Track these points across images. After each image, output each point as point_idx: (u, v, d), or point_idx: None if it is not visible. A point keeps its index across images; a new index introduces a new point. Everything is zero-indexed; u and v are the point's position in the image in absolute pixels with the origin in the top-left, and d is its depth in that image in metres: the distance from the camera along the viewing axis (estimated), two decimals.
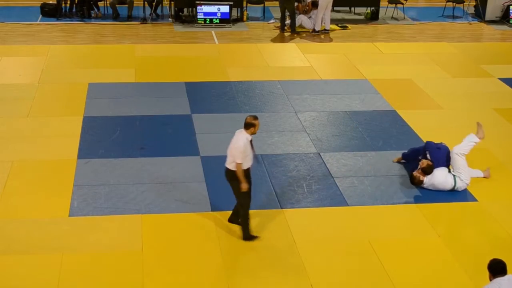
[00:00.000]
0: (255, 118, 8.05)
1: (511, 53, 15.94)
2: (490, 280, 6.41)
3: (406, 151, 10.38)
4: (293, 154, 10.44)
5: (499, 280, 6.32)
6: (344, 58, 15.00)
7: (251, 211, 8.71)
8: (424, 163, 9.58)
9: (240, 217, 8.37)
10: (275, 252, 8.16)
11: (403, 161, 10.33)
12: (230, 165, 8.04)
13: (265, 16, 18.41)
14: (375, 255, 8.10)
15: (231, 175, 8.08)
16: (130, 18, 17.56)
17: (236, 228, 8.48)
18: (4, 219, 8.59)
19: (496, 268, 6.40)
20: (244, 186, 8.01)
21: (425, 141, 10.98)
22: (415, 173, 9.58)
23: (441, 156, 9.78)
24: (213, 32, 16.73)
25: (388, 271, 7.82)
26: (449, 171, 9.59)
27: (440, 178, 9.47)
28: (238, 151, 7.89)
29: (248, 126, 8.00)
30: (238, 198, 8.25)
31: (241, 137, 7.97)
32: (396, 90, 13.19)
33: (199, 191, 9.34)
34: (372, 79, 13.68)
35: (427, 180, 9.50)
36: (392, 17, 18.73)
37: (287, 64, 14.73)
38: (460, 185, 9.51)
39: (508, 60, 15.28)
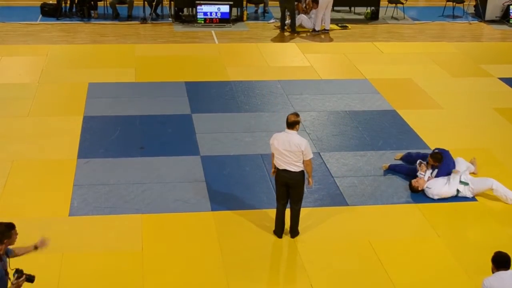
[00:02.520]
0: (298, 115, 8.13)
1: (511, 53, 15.94)
2: (493, 272, 6.35)
3: (412, 151, 10.34)
4: None
5: (501, 273, 6.25)
6: (344, 58, 15.00)
7: (250, 211, 8.76)
8: (430, 158, 9.62)
9: (295, 217, 8.34)
10: (275, 252, 8.16)
11: (399, 161, 10.29)
12: (296, 168, 8.02)
13: (261, 13, 18.46)
14: (375, 255, 8.10)
15: (299, 179, 8.08)
16: (130, 18, 17.56)
17: (240, 229, 8.50)
18: (4, 219, 8.55)
19: (501, 262, 6.32)
20: (311, 182, 8.30)
21: (425, 141, 11.00)
22: (413, 182, 9.51)
23: (449, 157, 9.79)
24: (213, 32, 16.73)
25: (388, 271, 7.82)
26: (456, 178, 9.44)
27: (437, 190, 9.35)
28: (309, 147, 8.03)
29: (294, 124, 8.03)
30: (300, 201, 8.27)
31: (298, 136, 8.03)
32: (396, 90, 13.18)
33: (199, 191, 9.34)
34: (372, 79, 13.68)
35: (426, 190, 9.43)
36: (392, 17, 18.72)
37: (287, 64, 14.73)
38: (465, 193, 9.45)
39: (508, 60, 15.27)
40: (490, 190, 9.40)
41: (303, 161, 8.03)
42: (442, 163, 9.65)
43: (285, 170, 8.06)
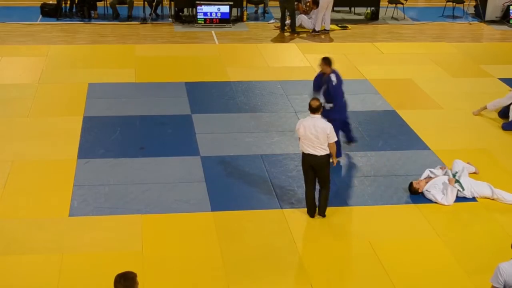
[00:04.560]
0: (319, 99, 8.59)
1: (511, 53, 15.94)
2: None
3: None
4: (293, 154, 10.43)
5: None
6: (344, 58, 14.99)
7: (250, 211, 8.76)
8: None
9: (326, 202, 8.76)
10: (275, 252, 8.16)
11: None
12: (321, 151, 8.44)
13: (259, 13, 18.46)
14: (375, 255, 8.10)
15: (324, 162, 8.52)
16: (130, 18, 17.56)
17: (240, 229, 8.51)
18: (4, 219, 8.59)
19: None
20: (336, 160, 8.86)
21: (425, 141, 11.00)
22: (414, 184, 9.44)
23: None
24: (213, 32, 16.73)
25: (388, 271, 7.82)
26: (453, 191, 9.29)
27: (434, 197, 9.27)
28: (333, 131, 8.48)
29: (318, 108, 8.48)
30: (327, 183, 8.68)
31: (322, 120, 8.48)
32: (396, 90, 13.18)
33: (199, 191, 9.34)
34: (372, 79, 13.68)
35: (426, 193, 9.39)
36: (392, 17, 18.73)
37: (287, 64, 14.73)
38: (463, 195, 9.42)
39: (508, 60, 15.27)
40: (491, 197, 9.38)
41: (328, 143, 8.45)
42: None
43: (310, 155, 8.47)
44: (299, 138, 8.60)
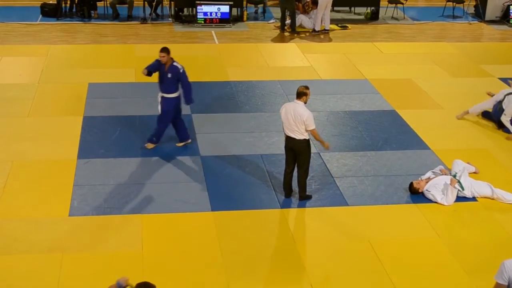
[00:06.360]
0: (307, 87, 8.84)
1: (511, 53, 15.94)
2: None
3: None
4: None
5: None
6: (344, 58, 15.00)
7: (250, 211, 8.75)
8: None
9: (302, 183, 9.10)
10: (275, 252, 8.16)
11: None
12: (300, 136, 8.76)
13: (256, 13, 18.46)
14: (375, 255, 8.10)
15: (302, 146, 8.83)
16: (130, 18, 17.56)
17: (240, 229, 8.51)
18: (4, 219, 8.59)
19: None
20: (326, 145, 9.07)
21: (425, 141, 11.00)
22: (415, 184, 9.43)
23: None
24: (213, 32, 16.73)
25: (388, 271, 7.82)
26: (454, 192, 9.27)
27: (434, 198, 9.28)
28: (311, 119, 8.70)
29: (301, 95, 8.76)
30: (304, 166, 9.00)
31: (303, 107, 8.71)
32: (396, 90, 13.18)
33: (199, 191, 9.34)
34: (372, 79, 13.68)
35: (426, 193, 9.39)
36: (392, 17, 18.73)
37: (287, 64, 14.72)
38: (464, 194, 9.40)
39: (508, 60, 15.27)
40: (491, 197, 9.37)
41: (307, 131, 8.74)
42: None
43: (289, 137, 8.85)
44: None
